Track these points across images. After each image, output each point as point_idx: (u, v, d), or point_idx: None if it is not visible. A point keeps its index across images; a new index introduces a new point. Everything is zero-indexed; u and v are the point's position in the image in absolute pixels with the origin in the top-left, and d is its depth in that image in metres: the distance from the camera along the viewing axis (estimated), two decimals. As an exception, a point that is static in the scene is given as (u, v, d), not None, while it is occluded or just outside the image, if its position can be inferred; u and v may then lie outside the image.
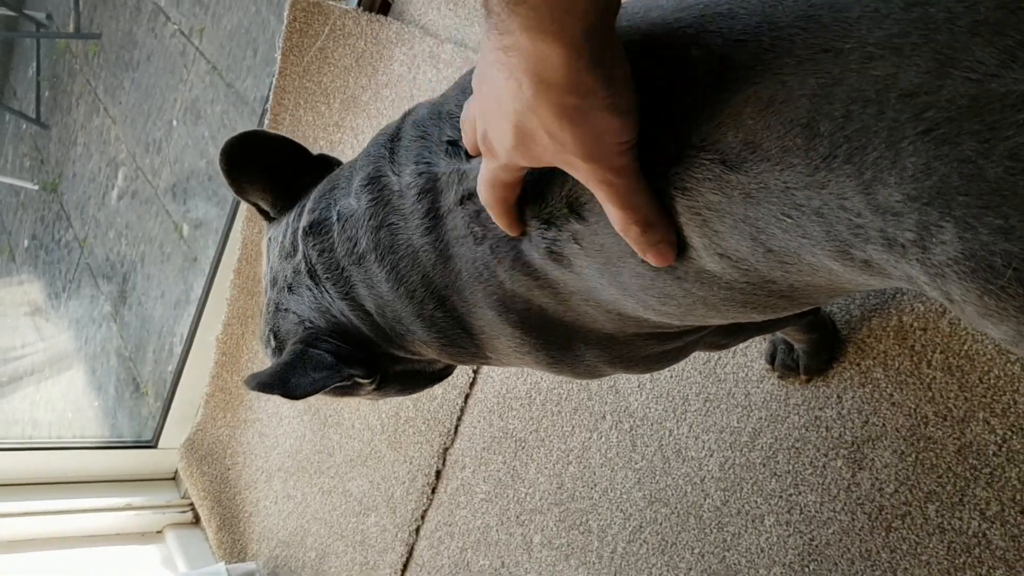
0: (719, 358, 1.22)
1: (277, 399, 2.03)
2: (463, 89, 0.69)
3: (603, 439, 1.34)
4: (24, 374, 4.04)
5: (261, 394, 2.02)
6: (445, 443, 1.61)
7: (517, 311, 0.71)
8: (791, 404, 1.14)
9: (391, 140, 0.72)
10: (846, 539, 1.06)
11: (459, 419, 1.59)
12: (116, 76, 4.52)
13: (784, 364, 1.12)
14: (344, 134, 1.88)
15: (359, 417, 1.80)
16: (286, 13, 1.86)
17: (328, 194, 0.77)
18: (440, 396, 1.62)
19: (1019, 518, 0.93)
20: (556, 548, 1.38)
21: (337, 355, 0.77)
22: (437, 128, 0.68)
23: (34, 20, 5.52)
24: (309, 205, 0.78)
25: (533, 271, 0.66)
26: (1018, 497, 0.94)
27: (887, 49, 0.44)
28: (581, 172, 0.54)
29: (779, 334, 1.12)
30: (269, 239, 0.87)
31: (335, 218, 0.75)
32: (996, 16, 0.41)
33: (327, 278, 0.77)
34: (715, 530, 1.19)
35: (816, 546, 1.08)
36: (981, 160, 0.41)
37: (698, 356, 1.24)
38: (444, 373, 0.90)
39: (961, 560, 0.97)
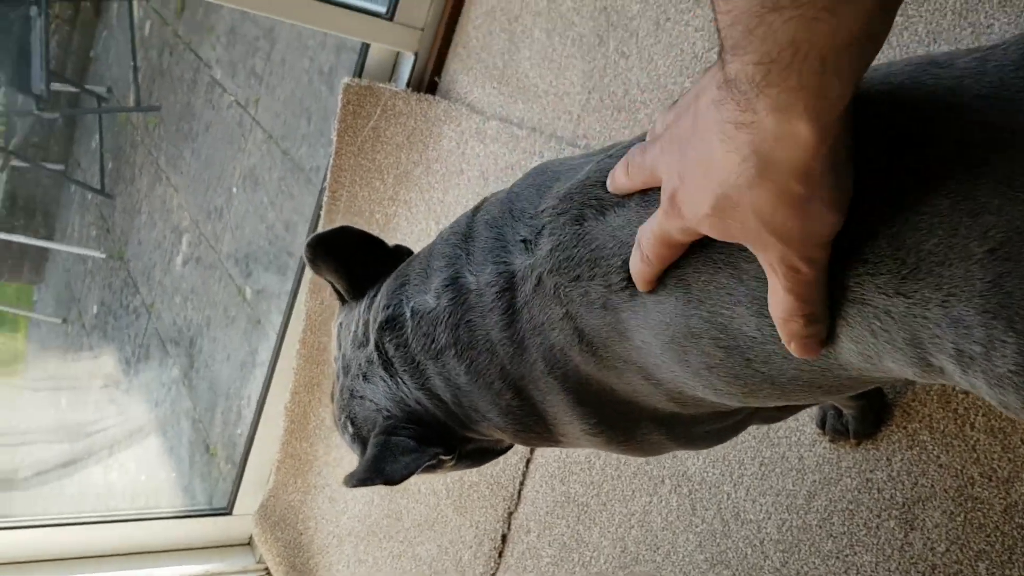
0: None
1: (345, 467, 2.11)
2: (537, 188, 0.75)
3: (663, 503, 1.39)
4: (101, 447, 4.19)
5: (330, 460, 2.10)
6: (509, 507, 1.66)
7: (589, 398, 0.78)
8: (843, 467, 1.17)
9: (465, 240, 0.79)
10: (904, 599, 1.09)
11: (522, 484, 1.64)
12: (176, 146, 4.70)
13: (834, 429, 1.16)
14: (398, 207, 1.96)
15: (424, 482, 1.87)
16: (340, 97, 1.96)
17: (400, 290, 0.84)
18: (502, 461, 1.68)
19: (1071, 578, 0.96)
20: (622, 609, 1.43)
21: (417, 440, 0.84)
22: (511, 228, 0.74)
23: (96, 95, 5.76)
24: (383, 301, 0.85)
25: (598, 346, 0.72)
26: (1069, 557, 0.96)
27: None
28: (772, 254, 0.53)
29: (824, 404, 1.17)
30: (340, 324, 0.94)
31: (408, 314, 0.82)
32: None
33: (404, 371, 0.83)
34: (775, 591, 1.22)
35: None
36: None
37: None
38: (509, 447, 0.97)
39: (1017, 620, 0.99)
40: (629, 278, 0.66)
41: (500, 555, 1.67)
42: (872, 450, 1.15)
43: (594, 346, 0.72)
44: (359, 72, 1.99)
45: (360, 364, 0.88)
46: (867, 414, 1.13)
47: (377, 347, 0.85)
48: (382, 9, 1.92)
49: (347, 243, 0.92)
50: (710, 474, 1.33)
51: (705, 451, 1.34)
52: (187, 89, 4.64)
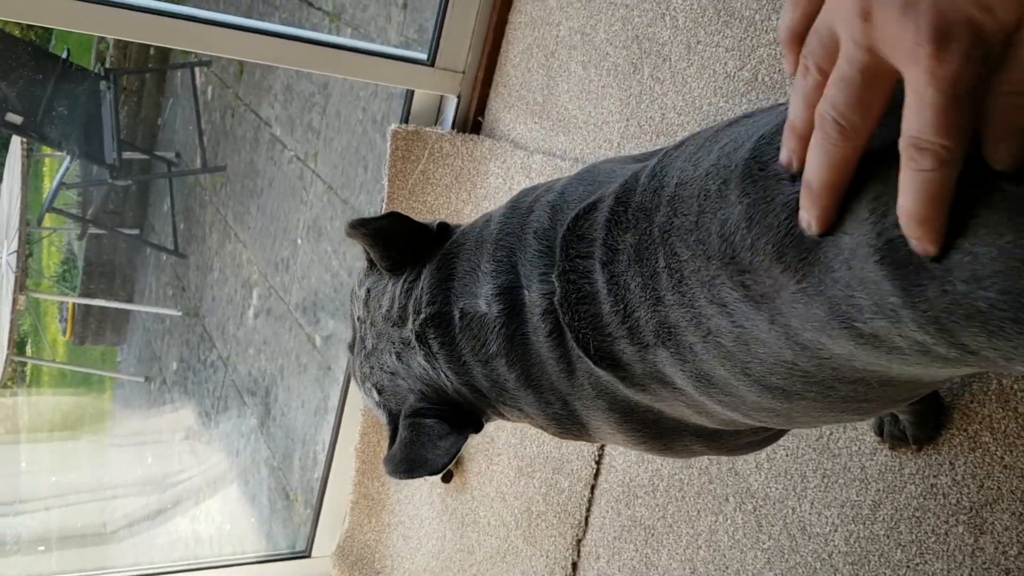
0: (831, 433, 1.25)
1: (416, 503, 2.14)
2: (587, 182, 0.78)
3: (728, 521, 1.38)
4: (184, 497, 4.30)
5: (401, 498, 2.13)
6: (577, 535, 1.67)
7: (636, 417, 0.79)
8: (905, 474, 1.16)
9: (517, 246, 0.80)
10: (978, 606, 1.07)
11: (588, 510, 1.65)
12: (243, 203, 4.84)
13: (892, 435, 1.15)
14: (453, 247, 2.00)
15: (493, 514, 1.88)
16: (388, 143, 2.02)
17: (446, 285, 0.84)
18: (567, 488, 1.69)
19: None
20: (695, 631, 1.42)
21: (449, 422, 0.87)
22: (561, 237, 0.75)
23: (165, 160, 5.97)
24: (427, 295, 0.85)
25: (646, 386, 0.74)
26: None
27: None
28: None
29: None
30: (368, 290, 0.94)
31: (457, 315, 0.82)
32: None
33: (448, 366, 0.85)
34: (847, 604, 1.21)
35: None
36: None
37: (811, 433, 1.27)
38: None
39: (1095, 620, 0.97)
40: None
41: (572, 583, 1.67)
42: (934, 455, 1.13)
43: (643, 386, 0.74)
44: (406, 118, 2.04)
45: (394, 342, 0.88)
46: (925, 418, 1.11)
47: (420, 338, 0.85)
48: (423, 56, 1.97)
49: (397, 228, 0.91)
50: (773, 489, 1.32)
51: (767, 465, 1.33)
52: (249, 148, 4.79)
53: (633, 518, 1.56)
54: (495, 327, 0.79)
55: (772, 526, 1.32)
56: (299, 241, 4.05)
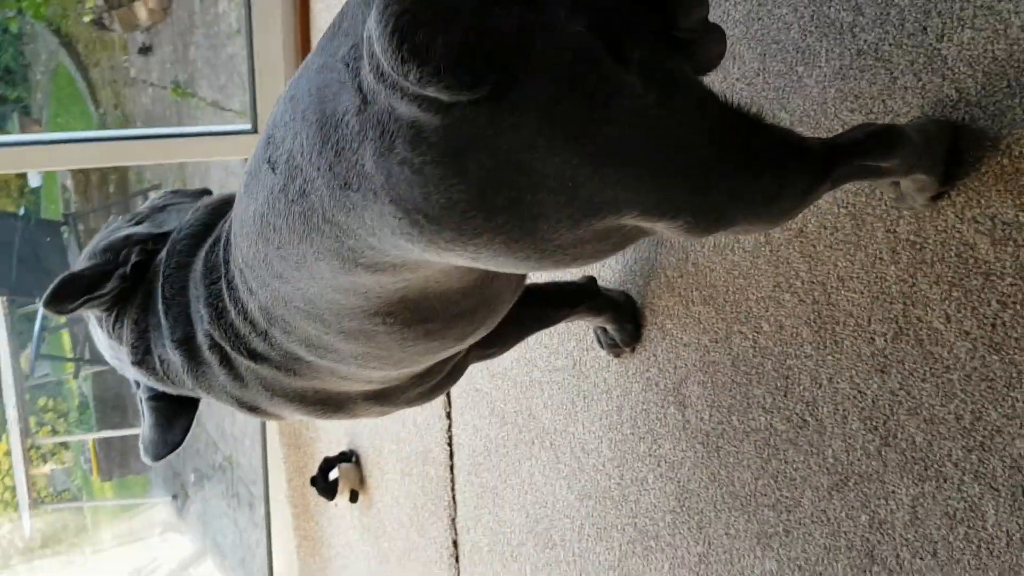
0: (581, 357, 1.40)
1: (342, 526, 2.29)
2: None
3: (537, 461, 1.52)
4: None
5: (332, 530, 2.28)
6: (451, 514, 1.81)
7: (309, 400, 0.99)
8: (630, 375, 1.30)
9: (187, 304, 0.97)
10: (699, 470, 1.20)
11: (453, 490, 1.79)
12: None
13: (608, 344, 1.30)
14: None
15: (392, 519, 2.03)
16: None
17: (143, 336, 1.01)
18: (435, 475, 1.84)
19: (785, 401, 1.07)
20: (567, 560, 1.55)
21: (178, 401, 1.05)
22: (200, 272, 0.95)
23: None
24: (129, 347, 1.02)
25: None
26: (781, 384, 1.07)
27: None
28: None
29: (593, 326, 1.31)
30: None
31: (158, 363, 1.00)
32: None
33: (166, 386, 1.03)
34: (620, 502, 1.34)
35: (687, 487, 1.22)
36: None
37: (567, 361, 1.42)
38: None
39: (767, 454, 1.10)
40: None
41: (456, 560, 1.82)
42: (641, 351, 1.28)
43: (292, 370, 0.94)
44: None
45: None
46: (622, 323, 1.26)
47: (139, 372, 1.04)
48: (247, 126, 2.17)
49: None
50: (558, 421, 1.46)
51: (549, 402, 1.47)
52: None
53: (483, 485, 1.70)
54: (183, 370, 0.97)
55: (564, 454, 1.46)
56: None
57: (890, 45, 0.86)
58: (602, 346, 1.32)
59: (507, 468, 1.62)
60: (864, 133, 0.78)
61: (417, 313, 0.84)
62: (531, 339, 1.50)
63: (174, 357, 0.97)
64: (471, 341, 0.98)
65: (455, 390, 1.75)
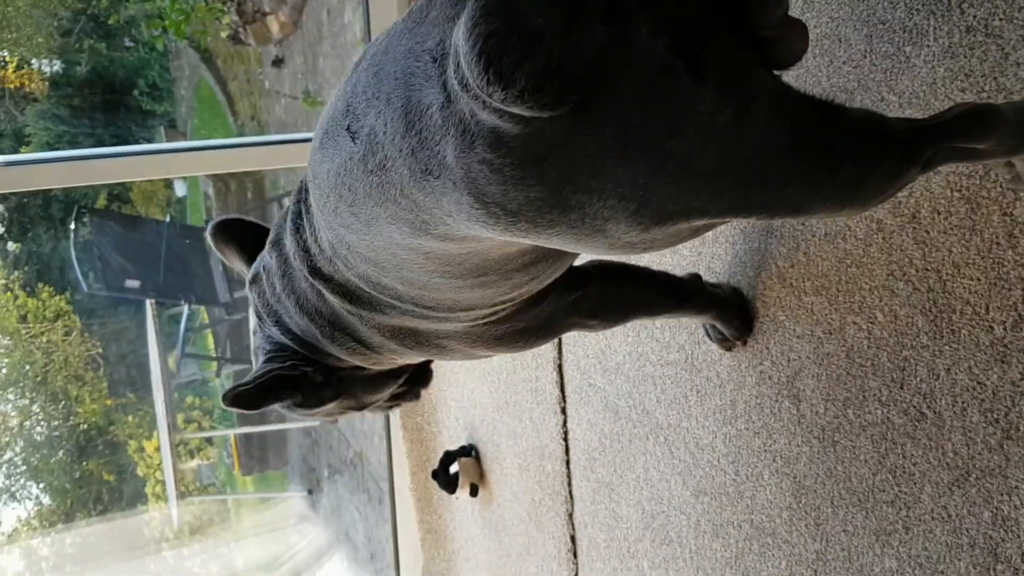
0: (692, 351, 1.38)
1: (465, 521, 2.33)
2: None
3: (652, 457, 1.52)
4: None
5: (455, 524, 2.33)
6: (568, 509, 1.82)
7: (394, 335, 0.99)
8: (743, 368, 1.28)
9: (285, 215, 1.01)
10: (816, 465, 1.17)
11: (569, 485, 1.80)
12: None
13: (718, 339, 1.28)
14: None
15: (513, 515, 2.06)
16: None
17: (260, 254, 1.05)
18: (551, 471, 1.85)
19: (901, 393, 1.03)
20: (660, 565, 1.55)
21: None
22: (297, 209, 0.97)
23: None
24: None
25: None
26: (897, 376, 1.03)
27: None
28: None
29: (703, 324, 1.30)
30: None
31: (261, 269, 1.03)
32: None
33: (266, 315, 1.05)
34: (735, 498, 1.32)
35: (803, 483, 1.20)
36: None
37: (680, 356, 1.41)
38: (389, 376, 1.13)
39: (885, 448, 1.07)
40: None
41: (575, 555, 1.83)
42: (753, 344, 1.25)
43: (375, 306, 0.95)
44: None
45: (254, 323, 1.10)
46: (728, 319, 1.24)
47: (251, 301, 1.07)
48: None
49: (244, 230, 1.10)
50: (671, 416, 1.45)
51: (663, 397, 1.47)
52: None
53: (599, 480, 1.70)
54: (277, 273, 0.99)
55: (678, 449, 1.45)
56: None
57: (1000, 20, 0.82)
58: (712, 340, 1.31)
59: (622, 463, 1.62)
60: (954, 114, 0.75)
61: (475, 270, 0.86)
62: (643, 333, 1.50)
63: (270, 260, 0.99)
64: (528, 290, 0.98)
65: (569, 385, 1.76)
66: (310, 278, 0.94)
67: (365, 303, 0.95)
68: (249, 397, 0.99)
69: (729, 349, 1.30)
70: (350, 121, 0.75)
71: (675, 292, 1.21)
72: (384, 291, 0.91)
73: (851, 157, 0.70)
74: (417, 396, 1.20)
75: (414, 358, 1.07)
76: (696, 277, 1.25)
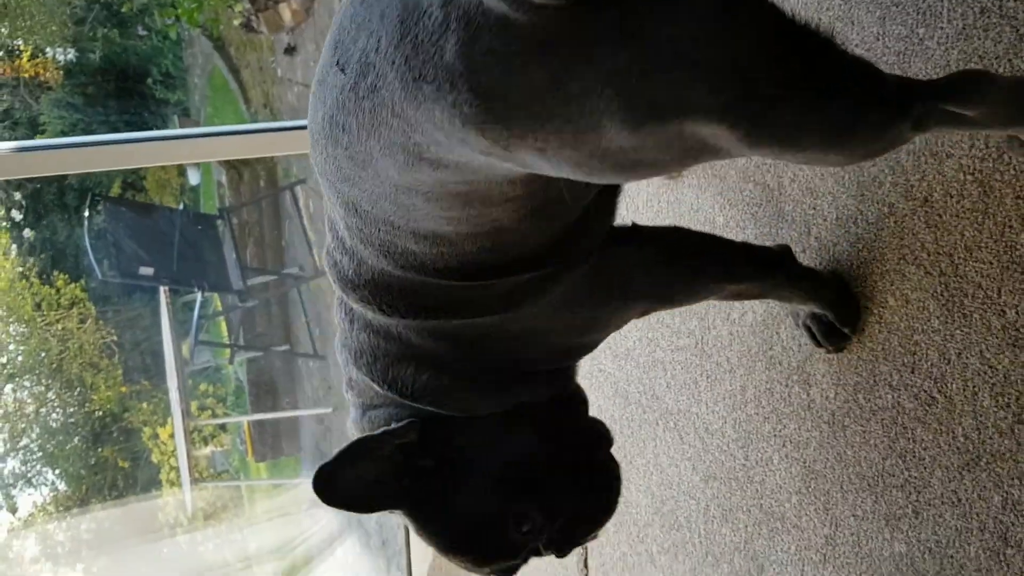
0: (703, 336, 1.38)
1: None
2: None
3: (662, 443, 1.52)
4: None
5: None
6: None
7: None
8: (752, 354, 1.28)
9: None
10: (825, 450, 1.17)
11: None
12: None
13: (823, 334, 1.14)
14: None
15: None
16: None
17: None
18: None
19: (912, 377, 1.03)
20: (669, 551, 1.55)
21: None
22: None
23: (292, 276, 6.49)
24: None
25: None
26: (908, 360, 1.03)
27: None
28: None
29: (800, 313, 1.17)
30: None
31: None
32: None
33: None
34: (745, 483, 1.32)
35: (813, 468, 1.20)
36: None
37: (690, 340, 1.41)
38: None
39: (895, 433, 1.06)
40: None
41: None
42: (763, 329, 1.25)
43: None
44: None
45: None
46: (828, 297, 1.11)
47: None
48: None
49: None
50: (681, 402, 1.45)
51: (672, 383, 1.47)
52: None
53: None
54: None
55: (688, 434, 1.45)
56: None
57: (1015, 1, 0.81)
58: (816, 340, 1.15)
59: (632, 449, 1.62)
60: (947, 77, 0.75)
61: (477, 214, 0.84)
62: (652, 318, 1.50)
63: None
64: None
65: (579, 371, 1.76)
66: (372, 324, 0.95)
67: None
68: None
69: (840, 349, 1.14)
70: (338, 56, 0.75)
71: (754, 259, 1.09)
72: (406, 258, 0.87)
73: (842, 92, 0.70)
74: None
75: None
76: (786, 248, 1.11)
